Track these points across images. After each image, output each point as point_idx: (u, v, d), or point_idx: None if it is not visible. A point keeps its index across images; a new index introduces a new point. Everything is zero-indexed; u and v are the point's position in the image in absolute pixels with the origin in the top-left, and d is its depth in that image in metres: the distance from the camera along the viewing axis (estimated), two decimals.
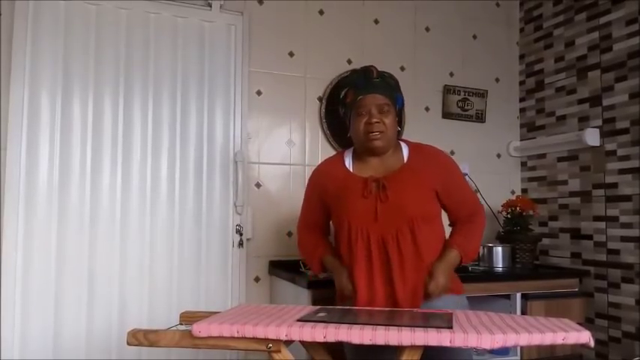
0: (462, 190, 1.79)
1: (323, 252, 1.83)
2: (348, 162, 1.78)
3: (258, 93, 2.72)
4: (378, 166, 1.73)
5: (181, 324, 1.62)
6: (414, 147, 1.79)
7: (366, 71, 1.72)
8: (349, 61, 2.91)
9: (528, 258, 2.79)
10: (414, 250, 1.64)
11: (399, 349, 1.31)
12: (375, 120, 1.66)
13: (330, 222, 1.87)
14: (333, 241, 1.88)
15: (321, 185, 1.80)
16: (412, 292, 1.63)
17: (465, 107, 3.16)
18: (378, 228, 1.64)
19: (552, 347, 2.44)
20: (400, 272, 1.63)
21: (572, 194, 2.93)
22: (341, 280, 1.70)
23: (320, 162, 1.96)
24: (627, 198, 2.62)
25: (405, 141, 1.82)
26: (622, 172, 2.66)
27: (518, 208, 2.86)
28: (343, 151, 1.85)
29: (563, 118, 3.01)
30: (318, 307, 1.60)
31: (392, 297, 1.64)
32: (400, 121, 1.81)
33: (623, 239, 2.63)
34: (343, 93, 1.76)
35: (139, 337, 1.34)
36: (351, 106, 1.71)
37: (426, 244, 1.65)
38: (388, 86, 1.71)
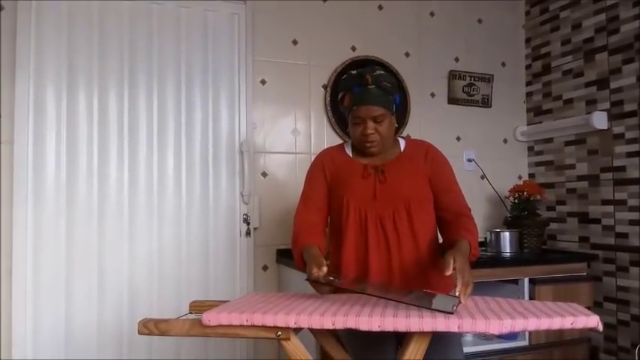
0: (449, 180, 1.81)
1: (308, 242, 1.68)
2: (349, 151, 1.84)
3: (263, 82, 2.72)
4: (375, 157, 1.79)
5: (191, 313, 1.64)
6: (410, 141, 1.87)
7: (362, 78, 1.70)
8: (353, 48, 2.89)
9: (536, 243, 2.78)
10: (409, 230, 1.69)
11: (405, 338, 1.32)
12: (370, 131, 1.69)
13: (323, 208, 1.85)
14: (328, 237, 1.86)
15: (325, 165, 1.83)
16: (407, 269, 1.67)
17: (471, 92, 3.14)
18: (376, 207, 1.69)
19: (560, 332, 2.44)
20: (397, 249, 1.67)
21: (580, 178, 2.92)
22: (310, 268, 1.53)
23: (324, 149, 1.96)
24: (635, 181, 2.60)
25: (403, 137, 1.88)
26: (630, 155, 2.64)
27: (525, 193, 2.85)
28: (343, 143, 1.91)
29: (570, 101, 2.99)
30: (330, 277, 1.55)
31: (387, 272, 1.67)
32: (398, 118, 1.86)
33: (632, 222, 2.62)
34: (340, 95, 1.79)
35: (150, 327, 1.36)
36: (347, 111, 1.76)
37: (420, 225, 1.71)
38: (383, 93, 1.70)
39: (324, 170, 1.82)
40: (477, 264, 2.38)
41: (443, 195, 1.76)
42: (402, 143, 1.83)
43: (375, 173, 1.72)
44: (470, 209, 1.76)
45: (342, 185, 1.75)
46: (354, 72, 1.76)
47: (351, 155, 1.81)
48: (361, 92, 1.69)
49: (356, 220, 1.70)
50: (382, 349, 1.62)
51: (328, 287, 1.54)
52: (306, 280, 1.53)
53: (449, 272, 1.39)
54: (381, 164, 1.74)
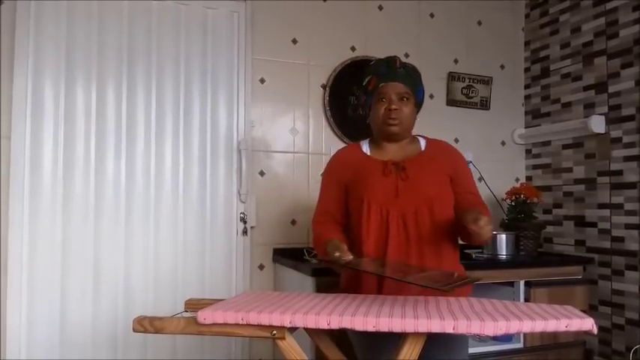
0: (470, 182, 1.83)
1: (330, 238, 1.67)
2: (366, 149, 1.82)
3: (262, 81, 2.72)
4: (395, 152, 1.77)
5: (186, 311, 1.63)
6: (430, 141, 1.85)
7: (390, 60, 1.75)
8: (353, 48, 2.89)
9: (532, 245, 2.78)
10: (431, 229, 1.67)
11: (400, 339, 1.32)
12: (394, 107, 1.70)
13: (341, 220, 1.83)
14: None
15: (339, 171, 1.80)
16: (425, 266, 1.64)
17: (470, 94, 3.14)
18: (399, 205, 1.67)
19: (555, 334, 2.45)
20: (418, 246, 1.65)
21: (577, 182, 2.92)
22: (332, 251, 1.55)
23: (336, 151, 1.92)
24: (632, 185, 2.61)
25: (421, 136, 1.86)
26: (627, 159, 2.64)
27: (522, 196, 2.85)
28: (359, 141, 1.87)
29: (568, 105, 3.00)
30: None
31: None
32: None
33: (628, 227, 2.62)
34: (366, 80, 1.78)
35: (145, 324, 1.35)
36: (372, 92, 1.75)
37: (442, 224, 1.69)
38: (410, 77, 1.75)
39: (336, 176, 1.80)
40: (473, 266, 2.39)
41: (464, 196, 1.76)
42: (422, 142, 1.82)
43: (397, 170, 1.70)
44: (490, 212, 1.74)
45: (361, 184, 1.72)
46: (382, 58, 1.79)
47: (368, 153, 1.79)
48: (389, 71, 1.72)
49: (377, 217, 1.67)
50: (392, 348, 1.62)
51: (345, 268, 1.56)
52: (325, 260, 1.56)
53: (479, 221, 1.47)
54: (402, 161, 1.72)
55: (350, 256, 1.54)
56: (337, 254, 1.53)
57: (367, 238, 1.68)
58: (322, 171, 1.91)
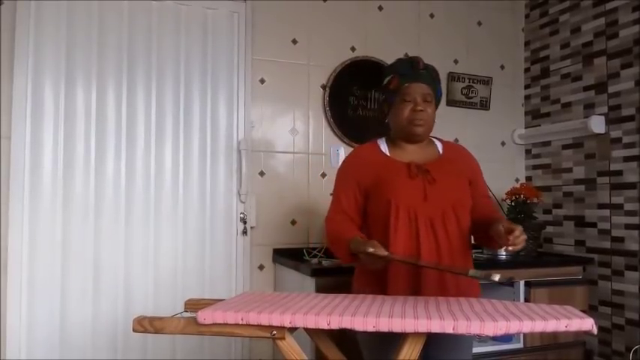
0: (485, 186, 1.88)
1: (352, 236, 1.64)
2: (384, 149, 1.79)
3: (262, 81, 2.72)
4: (415, 153, 1.76)
5: (186, 311, 1.63)
6: (446, 143, 1.86)
7: (414, 61, 1.75)
8: (353, 49, 2.89)
9: (532, 246, 2.79)
10: (459, 233, 1.68)
11: (400, 339, 1.32)
12: (419, 108, 1.70)
13: (357, 221, 1.80)
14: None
15: (358, 171, 1.76)
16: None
17: (470, 94, 3.14)
18: (427, 208, 1.66)
19: (555, 334, 2.45)
20: (448, 251, 1.65)
21: (577, 182, 2.92)
22: (367, 245, 1.53)
23: (354, 149, 1.89)
24: (632, 186, 2.61)
25: (435, 137, 1.86)
26: (627, 159, 2.64)
27: (522, 196, 2.85)
28: (376, 140, 1.84)
29: (568, 105, 3.00)
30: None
31: (439, 274, 1.65)
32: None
33: (627, 227, 2.62)
34: (387, 79, 1.77)
35: (145, 324, 1.35)
36: (395, 92, 1.74)
37: (466, 228, 1.71)
38: (432, 78, 1.76)
39: (355, 176, 1.76)
40: (472, 266, 2.39)
41: (480, 199, 1.78)
42: (439, 144, 1.82)
43: (422, 173, 1.69)
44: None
45: (385, 186, 1.69)
46: (403, 57, 1.80)
47: (387, 154, 1.77)
48: (413, 72, 1.72)
49: (405, 220, 1.65)
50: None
51: (382, 261, 1.54)
52: (363, 253, 1.53)
53: (516, 230, 1.53)
54: (424, 164, 1.71)
55: (385, 252, 1.52)
56: (371, 249, 1.51)
57: (395, 240, 1.64)
58: (339, 168, 1.84)
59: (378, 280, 1.68)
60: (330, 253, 2.14)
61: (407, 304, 1.41)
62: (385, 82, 1.78)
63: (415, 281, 1.64)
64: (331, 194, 1.83)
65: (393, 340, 1.36)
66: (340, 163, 1.88)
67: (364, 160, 1.78)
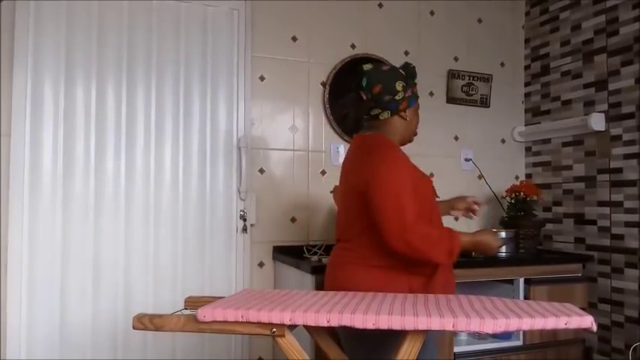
0: None
1: (454, 234, 1.66)
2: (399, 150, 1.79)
3: (262, 78, 2.71)
4: None
5: (186, 309, 1.64)
6: None
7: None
8: (353, 46, 2.89)
9: (532, 243, 2.79)
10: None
11: (400, 337, 1.32)
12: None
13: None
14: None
15: (412, 172, 1.73)
16: None
17: (470, 92, 3.14)
18: (437, 205, 1.87)
19: (555, 332, 2.45)
20: None
21: (577, 179, 2.92)
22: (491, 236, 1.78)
23: (394, 147, 1.75)
24: (632, 183, 2.61)
25: None
26: (627, 157, 2.64)
27: (522, 194, 2.85)
28: (387, 137, 1.77)
29: (568, 102, 2.99)
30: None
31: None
32: None
33: (627, 224, 2.62)
34: (413, 83, 1.78)
35: (145, 322, 1.36)
36: (415, 100, 1.81)
37: None
38: None
39: (411, 175, 1.70)
40: (472, 264, 2.39)
41: None
42: None
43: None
44: None
45: (424, 187, 1.78)
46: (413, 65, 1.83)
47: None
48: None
49: (437, 217, 1.81)
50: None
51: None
52: (493, 241, 1.76)
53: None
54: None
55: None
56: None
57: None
58: (392, 162, 1.67)
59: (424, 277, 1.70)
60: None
61: (406, 302, 1.41)
62: (411, 84, 1.77)
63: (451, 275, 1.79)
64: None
65: (396, 338, 1.36)
66: (388, 159, 1.70)
67: (408, 161, 1.74)
